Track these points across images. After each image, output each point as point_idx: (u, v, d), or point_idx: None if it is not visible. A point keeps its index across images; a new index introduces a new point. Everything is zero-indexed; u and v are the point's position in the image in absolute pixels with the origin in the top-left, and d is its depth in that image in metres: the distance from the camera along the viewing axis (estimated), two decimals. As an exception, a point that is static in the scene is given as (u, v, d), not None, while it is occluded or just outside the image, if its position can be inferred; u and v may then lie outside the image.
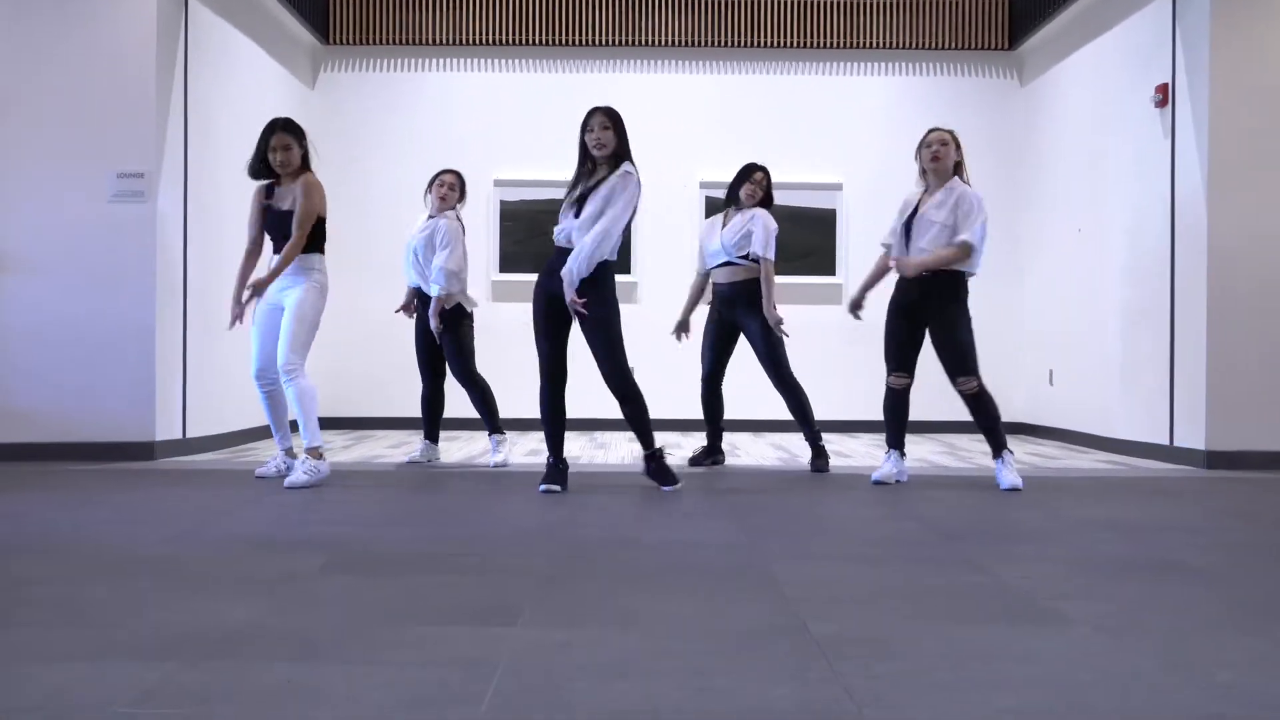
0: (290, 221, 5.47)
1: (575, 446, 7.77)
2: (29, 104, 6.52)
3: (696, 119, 9.69)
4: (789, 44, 9.68)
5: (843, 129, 9.70)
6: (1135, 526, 4.35)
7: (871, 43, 9.66)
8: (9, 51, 6.52)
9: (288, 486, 5.28)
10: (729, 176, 9.83)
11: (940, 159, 5.51)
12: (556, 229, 5.21)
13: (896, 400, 5.64)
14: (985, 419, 5.45)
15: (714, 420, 6.42)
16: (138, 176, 6.51)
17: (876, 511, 4.76)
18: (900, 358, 5.60)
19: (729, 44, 9.68)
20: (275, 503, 4.89)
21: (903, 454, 5.70)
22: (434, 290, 6.20)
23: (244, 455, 7.03)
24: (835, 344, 9.61)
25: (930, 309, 5.49)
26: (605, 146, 5.10)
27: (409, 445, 7.90)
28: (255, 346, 5.64)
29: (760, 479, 5.89)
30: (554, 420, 5.20)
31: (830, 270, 9.70)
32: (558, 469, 5.20)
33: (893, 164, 9.56)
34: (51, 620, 2.73)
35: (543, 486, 5.13)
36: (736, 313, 6.24)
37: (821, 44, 9.67)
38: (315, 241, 5.58)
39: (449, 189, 6.39)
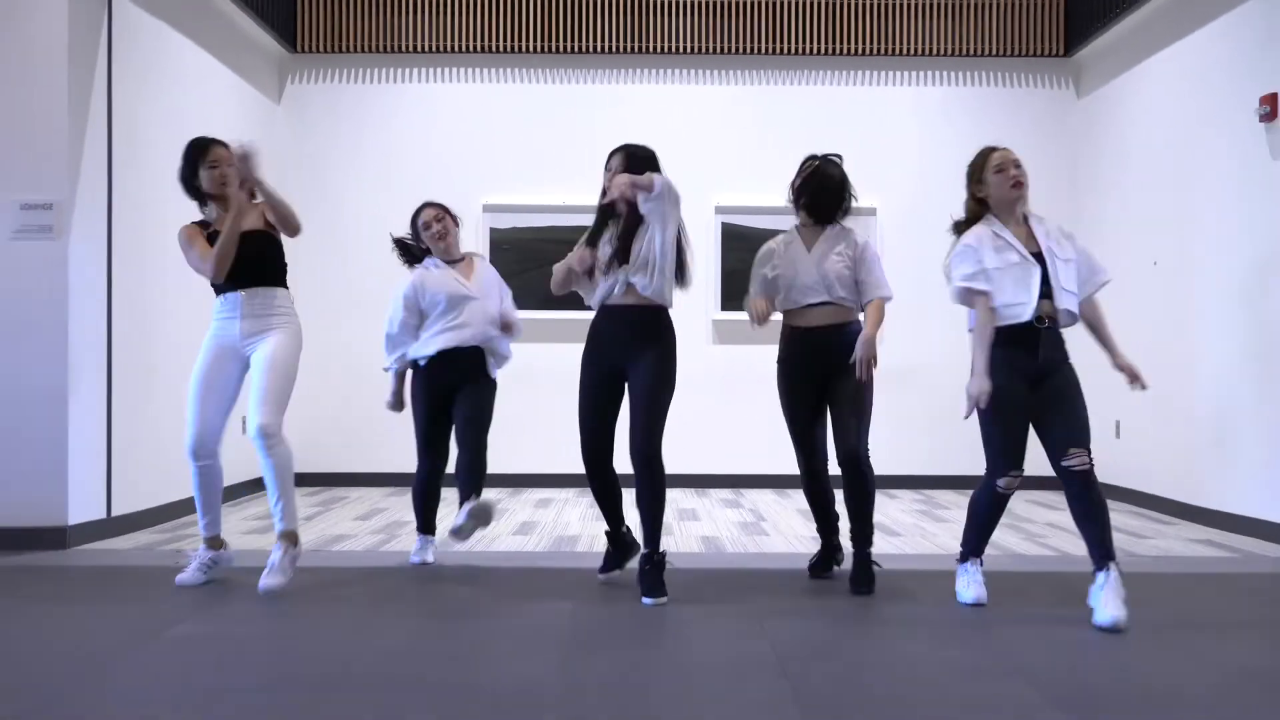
0: (259, 242, 4.45)
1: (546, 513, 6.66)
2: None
3: (711, 136, 8.58)
4: (815, 51, 8.57)
5: (876, 147, 8.58)
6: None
7: (907, 49, 8.56)
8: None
9: (266, 591, 4.31)
10: (748, 201, 8.83)
11: (1022, 185, 4.25)
12: (595, 291, 4.46)
13: (1002, 504, 4.31)
14: (1099, 509, 4.07)
15: (832, 512, 4.83)
16: (45, 208, 5.41)
17: (965, 657, 3.62)
18: (1020, 450, 4.19)
19: (748, 51, 8.58)
20: (179, 640, 3.76)
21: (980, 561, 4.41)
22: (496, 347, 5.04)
23: (180, 534, 5.91)
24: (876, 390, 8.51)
25: (1051, 369, 4.18)
26: None
27: (381, 515, 6.79)
28: (194, 411, 4.44)
29: (807, 587, 4.73)
30: (606, 494, 4.60)
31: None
32: (620, 544, 4.70)
33: (931, 186, 8.46)
34: None
35: (603, 576, 4.71)
36: (832, 363, 4.55)
37: (851, 50, 8.56)
38: (281, 274, 4.58)
39: (438, 223, 5.01)
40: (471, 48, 8.55)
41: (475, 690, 3.16)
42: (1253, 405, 6.13)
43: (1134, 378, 4.28)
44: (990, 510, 4.30)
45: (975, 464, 4.32)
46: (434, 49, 8.55)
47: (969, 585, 4.31)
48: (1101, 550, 4.05)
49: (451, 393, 4.95)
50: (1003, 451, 4.19)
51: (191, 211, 4.67)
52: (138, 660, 3.48)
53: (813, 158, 4.80)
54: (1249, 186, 6.22)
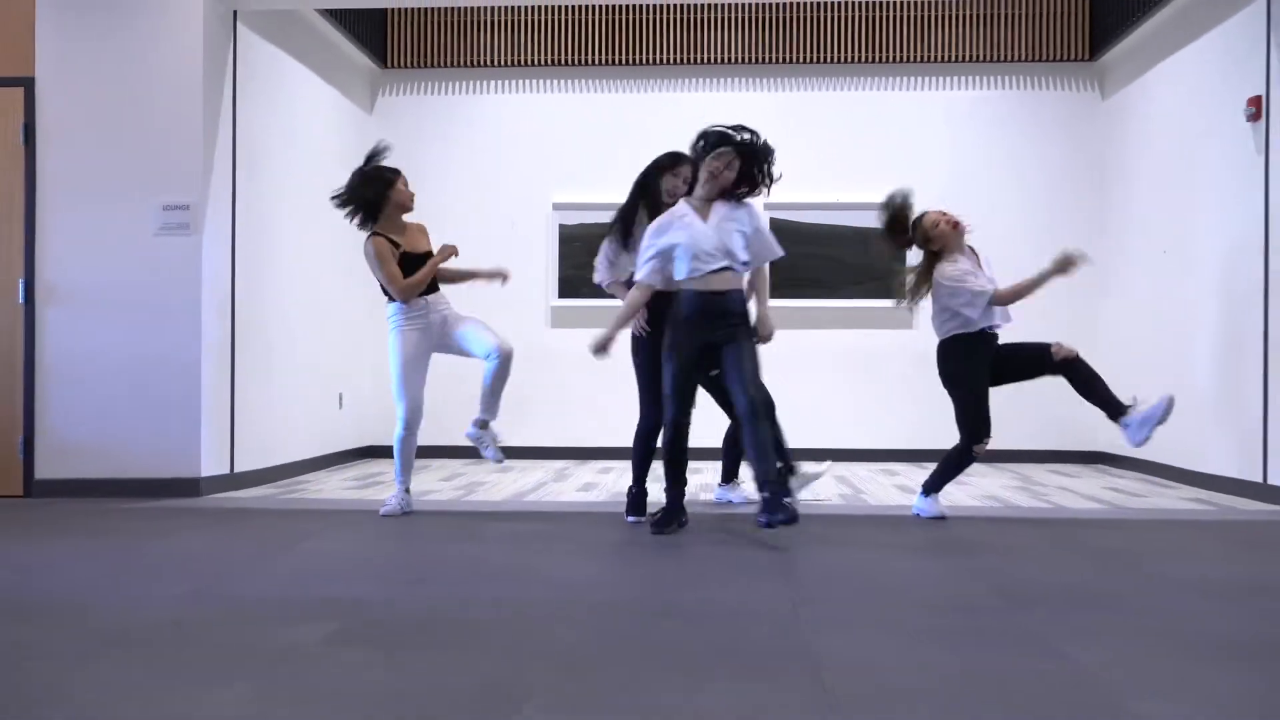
0: (429, 261, 5.71)
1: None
2: (71, 132, 6.47)
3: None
4: (855, 59, 9.32)
5: (912, 147, 9.30)
6: (1232, 589, 3.95)
7: (942, 56, 9.27)
8: (51, 78, 6.47)
9: (500, 460, 5.90)
10: (794, 198, 9.60)
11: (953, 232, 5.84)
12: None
13: (970, 464, 5.66)
14: (1093, 379, 5.49)
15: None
16: (183, 209, 6.41)
17: (938, 567, 4.41)
18: (989, 421, 5.60)
19: (792, 60, 9.36)
20: (307, 550, 4.70)
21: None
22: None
23: (291, 490, 6.89)
24: (903, 370, 9.24)
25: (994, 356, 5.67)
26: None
27: (461, 478, 7.71)
28: (407, 393, 5.68)
29: (825, 522, 5.54)
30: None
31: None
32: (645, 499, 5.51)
33: (965, 182, 9.17)
34: (24, 714, 2.55)
35: (632, 518, 5.47)
36: (729, 328, 5.09)
37: (889, 59, 9.30)
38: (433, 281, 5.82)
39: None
40: (542, 61, 9.45)
41: (543, 581, 4.02)
42: (1242, 381, 6.75)
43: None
44: (960, 467, 5.64)
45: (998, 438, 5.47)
46: (509, 63, 9.47)
47: (931, 506, 5.71)
48: (1116, 405, 5.43)
49: None
50: (980, 423, 5.51)
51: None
52: (276, 561, 4.41)
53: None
54: (1239, 182, 6.83)
